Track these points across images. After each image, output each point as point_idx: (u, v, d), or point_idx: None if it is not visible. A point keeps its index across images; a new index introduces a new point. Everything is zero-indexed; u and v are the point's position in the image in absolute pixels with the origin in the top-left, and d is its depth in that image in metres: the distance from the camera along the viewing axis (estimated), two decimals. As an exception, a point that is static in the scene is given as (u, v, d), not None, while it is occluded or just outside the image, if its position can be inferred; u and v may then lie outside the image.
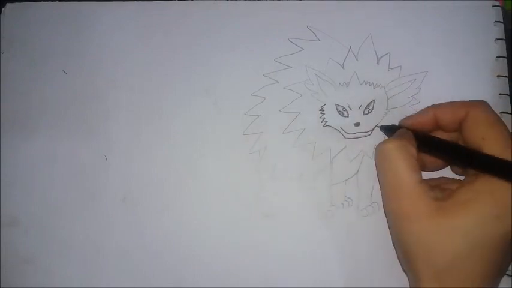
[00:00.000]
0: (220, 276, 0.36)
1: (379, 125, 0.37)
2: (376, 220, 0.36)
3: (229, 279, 0.36)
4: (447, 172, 0.35)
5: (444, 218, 0.29)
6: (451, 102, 0.33)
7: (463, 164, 0.33)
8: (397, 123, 0.36)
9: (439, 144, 0.32)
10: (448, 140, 0.33)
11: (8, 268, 0.36)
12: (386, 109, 0.37)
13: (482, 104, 0.32)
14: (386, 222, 0.35)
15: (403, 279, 0.34)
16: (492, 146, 0.30)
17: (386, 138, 0.36)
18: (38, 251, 0.36)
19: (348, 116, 0.37)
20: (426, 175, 0.34)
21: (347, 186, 0.37)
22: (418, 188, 0.30)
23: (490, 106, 0.32)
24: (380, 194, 0.35)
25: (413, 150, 0.31)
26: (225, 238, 0.36)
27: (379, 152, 0.32)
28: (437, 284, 0.29)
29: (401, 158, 0.30)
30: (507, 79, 0.37)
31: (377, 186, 0.36)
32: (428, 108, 0.34)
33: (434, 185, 0.32)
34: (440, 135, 0.34)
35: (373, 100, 0.37)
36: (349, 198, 0.36)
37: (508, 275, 0.34)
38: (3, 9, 0.40)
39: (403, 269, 0.33)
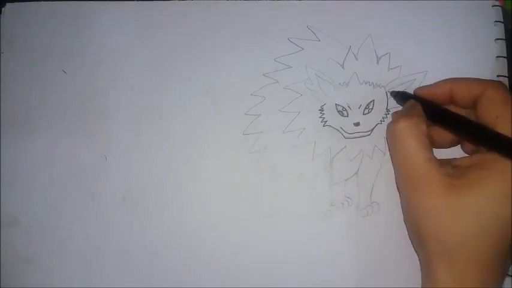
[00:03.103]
0: (220, 276, 0.36)
1: (391, 90, 0.36)
2: (376, 220, 0.36)
3: (229, 279, 0.36)
4: (457, 152, 0.35)
5: (455, 196, 0.29)
6: (468, 78, 0.33)
7: (474, 140, 0.33)
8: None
9: (452, 117, 0.32)
10: (461, 115, 0.32)
11: (8, 268, 0.36)
12: (386, 109, 0.37)
13: (499, 83, 0.32)
14: (386, 222, 0.36)
15: (403, 279, 0.34)
16: (505, 124, 0.30)
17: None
18: (38, 251, 0.36)
19: (347, 116, 0.37)
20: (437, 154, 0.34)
21: (347, 186, 0.37)
22: (430, 164, 0.30)
23: (506, 87, 0.32)
24: (380, 193, 0.35)
25: (423, 128, 0.31)
26: (225, 238, 0.36)
27: (390, 132, 0.32)
28: (447, 262, 0.29)
29: (412, 136, 0.31)
30: (507, 79, 0.37)
31: (377, 186, 0.36)
32: (445, 80, 0.34)
33: (446, 162, 0.32)
34: (452, 110, 0.33)
35: (373, 100, 0.37)
36: (349, 198, 0.36)
37: (508, 275, 0.34)
38: (3, 9, 0.40)
39: (413, 248, 0.33)
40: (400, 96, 0.35)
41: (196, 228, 0.36)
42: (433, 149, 0.33)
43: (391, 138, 0.32)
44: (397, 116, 0.34)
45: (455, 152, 0.35)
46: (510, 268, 0.34)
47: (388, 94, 0.37)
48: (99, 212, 0.37)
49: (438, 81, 0.34)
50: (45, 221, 0.37)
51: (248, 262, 0.36)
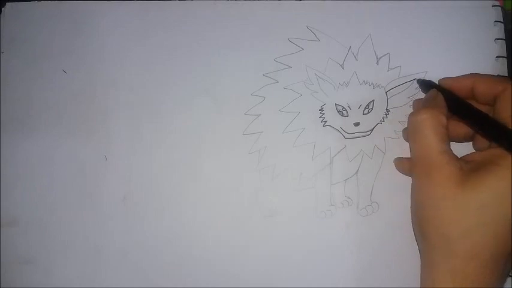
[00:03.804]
0: (220, 276, 0.36)
1: (417, 78, 0.37)
2: (376, 220, 0.36)
3: (229, 279, 0.36)
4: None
5: (462, 190, 0.29)
6: (491, 76, 0.34)
7: (489, 136, 0.33)
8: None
9: (472, 111, 0.32)
10: (480, 110, 0.33)
11: (8, 268, 0.36)
12: (386, 109, 0.37)
13: None
14: (386, 222, 0.36)
15: (404, 279, 0.34)
16: None
17: (389, 138, 0.36)
18: (38, 251, 0.36)
19: (347, 116, 0.37)
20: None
21: (347, 186, 0.37)
22: (445, 156, 0.31)
23: None
24: (380, 193, 0.36)
25: (443, 120, 0.32)
26: (225, 238, 0.36)
27: (411, 122, 0.33)
28: (447, 254, 0.30)
29: (431, 127, 0.31)
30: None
31: (377, 185, 0.36)
32: (468, 75, 0.34)
33: (461, 157, 0.32)
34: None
35: (373, 100, 0.37)
36: (348, 197, 0.36)
37: (509, 275, 0.34)
38: (3, 9, 0.40)
39: (415, 239, 0.33)
40: (426, 85, 0.36)
41: (196, 228, 0.36)
42: (452, 142, 0.34)
43: (412, 127, 0.33)
44: (419, 106, 0.34)
45: (466, 149, 0.35)
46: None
47: (388, 94, 0.37)
48: (99, 212, 0.37)
49: (462, 75, 0.35)
50: (45, 221, 0.37)
51: (248, 262, 0.36)
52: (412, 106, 0.37)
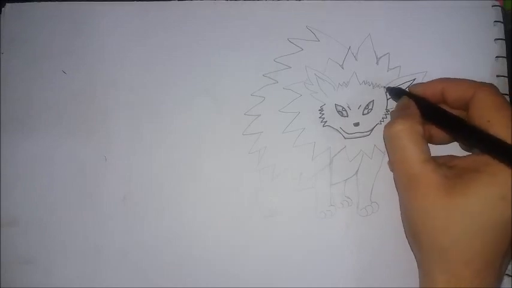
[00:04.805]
0: (220, 276, 0.36)
1: (386, 86, 0.36)
2: (376, 220, 0.36)
3: (229, 279, 0.36)
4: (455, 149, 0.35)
5: (450, 197, 0.29)
6: (460, 80, 0.33)
7: (466, 142, 0.33)
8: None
9: (445, 117, 0.32)
10: (454, 115, 0.32)
11: (8, 268, 0.36)
12: (386, 109, 0.37)
13: (490, 86, 0.32)
14: (385, 222, 0.36)
15: (404, 279, 0.34)
16: (497, 129, 0.30)
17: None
18: (38, 251, 0.36)
19: (347, 116, 0.37)
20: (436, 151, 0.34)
21: (347, 186, 0.37)
22: (426, 166, 0.30)
23: (498, 89, 0.32)
24: (379, 193, 0.36)
25: (419, 129, 0.31)
26: (225, 238, 0.36)
27: (388, 133, 0.32)
28: (442, 262, 0.29)
29: (408, 138, 0.31)
30: (507, 79, 0.37)
31: (377, 186, 0.36)
32: (438, 80, 0.34)
33: (442, 163, 0.32)
34: (446, 109, 0.33)
35: (373, 100, 0.37)
36: (348, 198, 0.36)
37: (508, 275, 0.34)
38: (3, 9, 0.40)
39: (411, 249, 0.33)
40: (396, 93, 0.36)
41: (196, 228, 0.36)
42: (434, 144, 0.34)
43: (388, 139, 0.32)
44: (393, 117, 0.34)
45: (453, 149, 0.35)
46: (509, 268, 0.34)
47: (388, 94, 0.37)
48: (99, 212, 0.37)
49: (432, 80, 0.34)
50: (45, 221, 0.37)
51: (248, 262, 0.36)
52: (390, 118, 0.36)
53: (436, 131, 0.34)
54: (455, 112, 0.33)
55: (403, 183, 0.32)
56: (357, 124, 0.37)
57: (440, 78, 0.34)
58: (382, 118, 0.37)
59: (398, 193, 0.33)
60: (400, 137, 0.31)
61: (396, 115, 0.33)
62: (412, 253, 0.34)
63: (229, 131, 0.37)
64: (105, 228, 0.37)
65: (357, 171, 0.37)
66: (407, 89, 0.36)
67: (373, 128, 0.37)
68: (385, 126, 0.33)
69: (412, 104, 0.33)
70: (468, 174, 0.30)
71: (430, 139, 0.34)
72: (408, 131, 0.31)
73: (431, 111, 0.33)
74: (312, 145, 0.37)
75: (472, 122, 0.31)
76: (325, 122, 0.37)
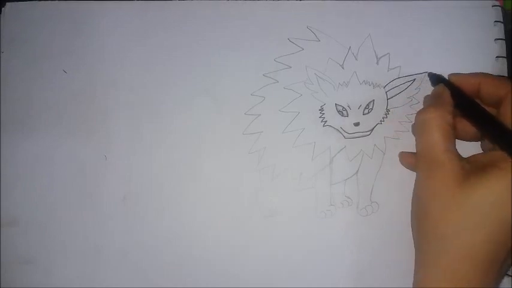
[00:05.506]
0: (220, 276, 0.36)
1: (427, 72, 0.36)
2: (376, 220, 0.36)
3: (229, 279, 0.36)
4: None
5: (462, 189, 0.30)
6: (497, 77, 0.34)
7: (490, 137, 0.33)
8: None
9: (477, 110, 0.32)
10: (485, 109, 0.33)
11: (8, 268, 0.36)
12: (386, 109, 0.37)
13: None
14: (385, 222, 0.36)
15: (404, 279, 0.34)
16: None
17: (389, 138, 0.36)
18: (38, 251, 0.36)
19: (347, 116, 0.37)
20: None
21: (347, 186, 0.37)
22: (449, 154, 0.31)
23: None
24: (380, 193, 0.36)
25: (449, 119, 0.32)
26: (225, 238, 0.36)
27: (418, 119, 0.33)
28: (441, 251, 0.30)
29: (437, 125, 0.31)
30: (507, 79, 0.37)
31: (377, 185, 0.36)
32: (476, 74, 0.34)
33: (466, 158, 0.32)
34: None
35: (373, 100, 0.37)
36: (349, 197, 0.36)
37: (508, 275, 0.34)
38: (3, 9, 0.40)
39: (412, 233, 0.33)
40: (435, 79, 0.36)
41: (196, 228, 0.36)
42: (457, 139, 0.34)
43: (418, 124, 0.33)
44: (426, 104, 0.34)
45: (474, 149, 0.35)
46: (510, 268, 0.34)
47: (388, 94, 0.37)
48: (99, 211, 0.37)
49: (470, 73, 0.35)
50: (45, 221, 0.37)
51: (248, 262, 0.36)
52: (422, 103, 0.37)
53: (462, 125, 0.34)
54: (489, 110, 0.33)
55: (422, 165, 0.32)
56: (357, 124, 0.37)
57: (479, 72, 0.34)
58: (383, 118, 0.37)
59: (417, 174, 0.33)
60: (430, 123, 0.32)
61: (429, 102, 0.34)
62: (412, 253, 0.33)
63: (229, 131, 0.37)
64: (105, 228, 0.37)
65: (357, 171, 0.37)
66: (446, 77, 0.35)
67: (373, 128, 0.37)
68: (417, 112, 0.33)
69: (446, 93, 0.33)
70: (485, 168, 0.30)
71: (457, 135, 0.34)
72: (438, 120, 0.32)
73: (465, 103, 0.33)
74: (312, 145, 0.37)
75: (501, 119, 0.32)
76: (326, 121, 0.37)
